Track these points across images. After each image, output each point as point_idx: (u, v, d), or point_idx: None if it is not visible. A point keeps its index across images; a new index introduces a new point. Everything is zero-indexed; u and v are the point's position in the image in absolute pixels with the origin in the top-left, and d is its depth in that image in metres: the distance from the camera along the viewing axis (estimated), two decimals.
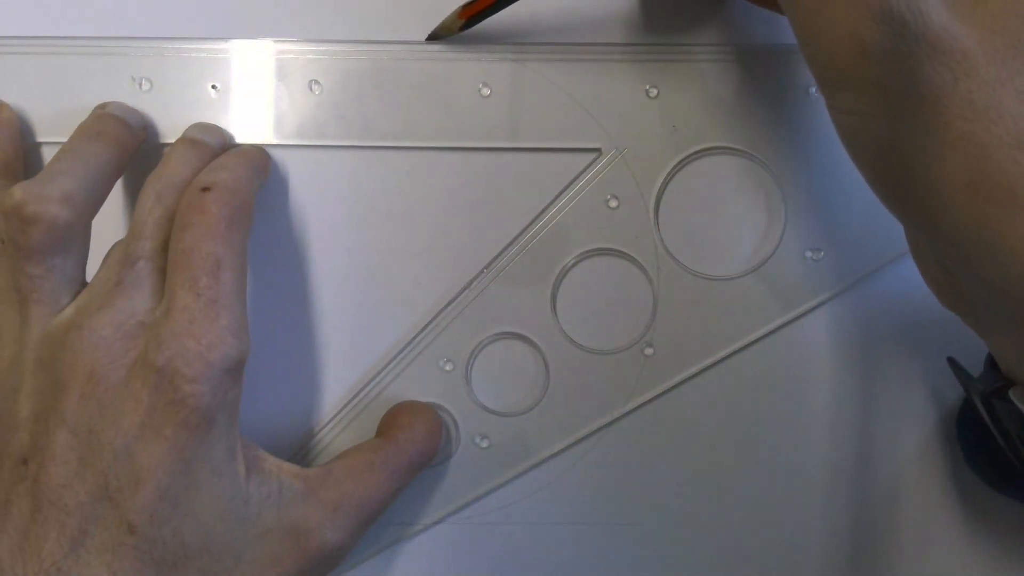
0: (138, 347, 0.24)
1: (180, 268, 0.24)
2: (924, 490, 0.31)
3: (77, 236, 0.26)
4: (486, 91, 0.30)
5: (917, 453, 0.31)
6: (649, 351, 0.31)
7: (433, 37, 0.30)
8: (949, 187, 0.20)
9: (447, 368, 0.31)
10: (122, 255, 0.26)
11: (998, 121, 0.20)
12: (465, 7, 0.29)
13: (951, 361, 0.28)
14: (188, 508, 0.24)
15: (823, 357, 0.31)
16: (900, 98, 0.20)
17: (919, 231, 0.23)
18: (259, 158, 0.29)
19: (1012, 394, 0.24)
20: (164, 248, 0.26)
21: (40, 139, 0.30)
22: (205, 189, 0.26)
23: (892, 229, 0.30)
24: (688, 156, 0.30)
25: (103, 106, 0.29)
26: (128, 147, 0.28)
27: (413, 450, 0.29)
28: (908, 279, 0.31)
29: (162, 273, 0.25)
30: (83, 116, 0.29)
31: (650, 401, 0.31)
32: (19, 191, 0.25)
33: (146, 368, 0.24)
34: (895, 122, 0.21)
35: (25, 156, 0.30)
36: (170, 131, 0.30)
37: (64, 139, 0.28)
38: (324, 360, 0.31)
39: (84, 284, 0.26)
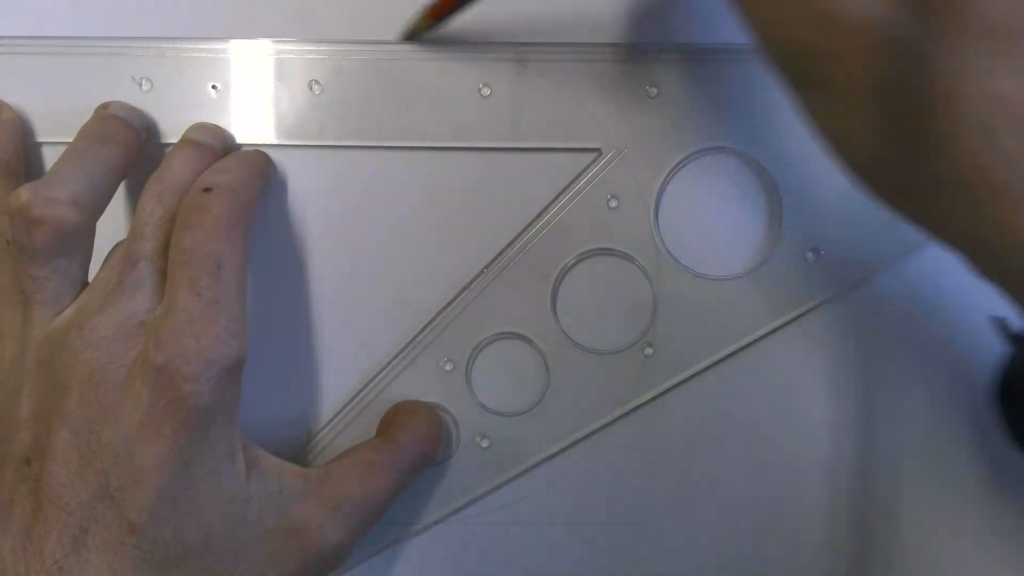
0: (138, 347, 0.24)
1: (181, 268, 0.24)
2: (945, 485, 0.31)
3: (82, 238, 0.26)
4: (486, 91, 0.30)
5: (918, 452, 0.31)
6: (649, 351, 0.31)
7: (408, 38, 0.30)
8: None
9: (447, 368, 0.31)
10: (123, 256, 0.26)
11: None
12: (432, 8, 0.29)
13: (996, 320, 0.26)
14: (188, 508, 0.24)
15: (823, 357, 0.31)
16: (907, 90, 0.19)
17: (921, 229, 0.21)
18: (261, 162, 0.29)
19: None
20: (165, 249, 0.26)
21: (40, 139, 0.30)
22: (207, 190, 0.26)
23: (892, 229, 0.30)
24: (688, 156, 0.30)
25: (106, 106, 0.29)
26: (132, 148, 0.28)
27: (414, 449, 0.29)
28: (908, 279, 0.31)
29: (163, 274, 0.25)
30: (84, 116, 0.29)
31: (650, 401, 0.31)
32: (25, 192, 0.25)
33: (146, 367, 0.24)
34: (894, 125, 0.19)
35: (26, 156, 0.30)
36: (171, 131, 0.30)
37: (65, 139, 0.28)
38: (324, 360, 0.31)
39: (86, 285, 0.26)
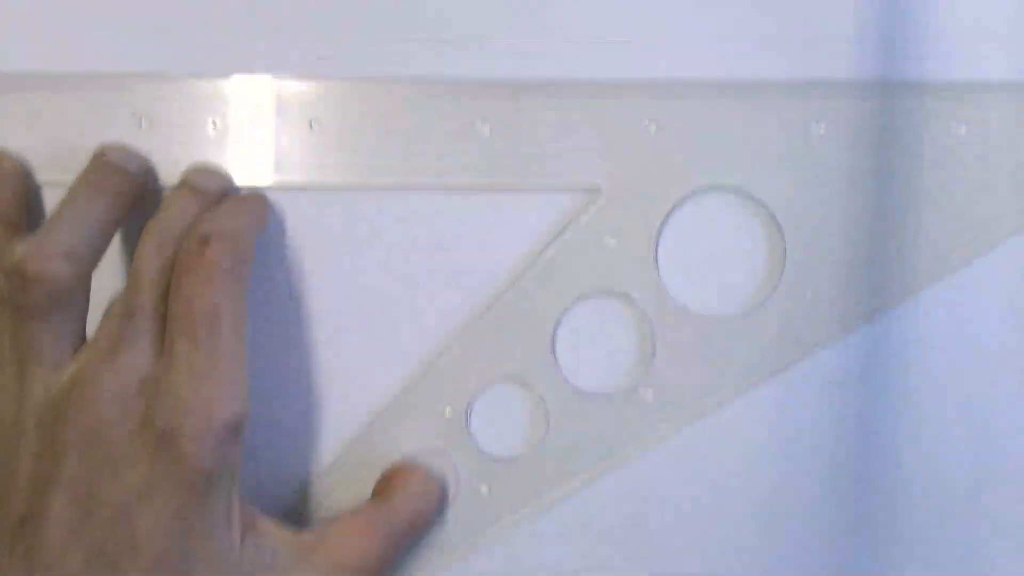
0: (139, 405, 0.24)
1: (180, 320, 0.24)
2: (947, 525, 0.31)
3: (78, 292, 0.26)
4: (484, 129, 0.30)
5: (921, 496, 0.31)
6: (650, 394, 0.30)
7: None
8: None
9: (446, 414, 0.30)
10: (121, 309, 0.26)
11: None
12: None
13: None
14: (182, 570, 0.23)
15: (827, 398, 0.31)
16: None
17: None
18: (258, 205, 0.29)
19: None
20: (164, 299, 0.25)
21: (38, 177, 0.30)
22: (204, 238, 0.26)
23: (895, 270, 0.30)
24: (688, 194, 0.30)
25: (102, 153, 0.29)
26: (128, 197, 0.28)
27: (409, 513, 0.28)
28: (911, 319, 0.30)
29: (162, 325, 0.25)
30: (82, 154, 0.29)
31: (653, 445, 0.30)
32: (20, 249, 0.25)
33: (146, 427, 0.24)
34: None
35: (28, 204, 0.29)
36: (169, 169, 0.30)
37: (62, 177, 0.28)
38: (322, 407, 0.31)
39: (84, 338, 0.26)
